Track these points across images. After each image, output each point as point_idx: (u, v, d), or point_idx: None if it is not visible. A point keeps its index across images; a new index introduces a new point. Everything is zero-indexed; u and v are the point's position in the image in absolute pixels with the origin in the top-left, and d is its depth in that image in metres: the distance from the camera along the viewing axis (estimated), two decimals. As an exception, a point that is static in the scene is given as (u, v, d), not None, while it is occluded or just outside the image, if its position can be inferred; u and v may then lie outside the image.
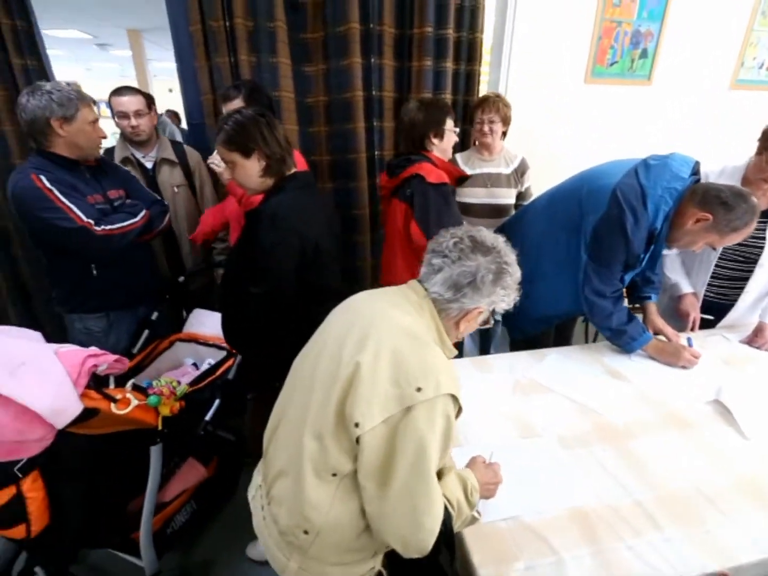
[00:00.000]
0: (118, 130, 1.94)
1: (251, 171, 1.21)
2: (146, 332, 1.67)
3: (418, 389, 0.70)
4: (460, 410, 0.78)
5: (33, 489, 1.02)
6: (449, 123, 1.57)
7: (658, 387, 1.34)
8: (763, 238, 1.53)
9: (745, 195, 1.22)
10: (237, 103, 1.59)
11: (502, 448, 1.07)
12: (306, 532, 0.78)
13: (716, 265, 1.64)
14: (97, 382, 1.05)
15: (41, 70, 1.94)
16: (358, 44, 2.05)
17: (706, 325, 1.72)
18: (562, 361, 1.47)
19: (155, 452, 1.23)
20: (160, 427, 1.16)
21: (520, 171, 2.05)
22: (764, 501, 0.96)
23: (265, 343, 1.29)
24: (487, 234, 0.86)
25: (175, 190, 1.98)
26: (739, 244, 1.49)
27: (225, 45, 1.94)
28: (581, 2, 2.27)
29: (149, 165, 1.95)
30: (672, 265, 1.73)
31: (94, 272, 1.51)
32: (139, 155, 1.94)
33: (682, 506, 0.94)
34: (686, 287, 1.69)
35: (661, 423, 1.20)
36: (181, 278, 1.80)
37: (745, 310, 1.69)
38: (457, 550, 0.83)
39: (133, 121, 1.84)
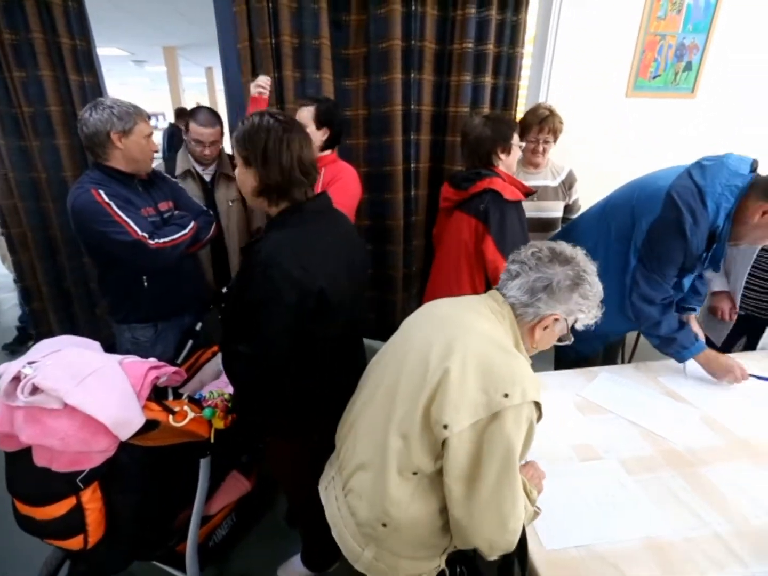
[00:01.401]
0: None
1: (247, 183, 1.01)
2: (190, 342, 1.69)
3: (506, 395, 0.72)
4: (540, 417, 0.80)
5: (92, 500, 1.03)
6: (515, 138, 1.56)
7: (723, 411, 1.28)
8: None
9: None
10: (305, 113, 1.63)
11: (563, 470, 1.03)
12: (385, 525, 0.81)
13: (752, 275, 1.59)
14: (156, 394, 1.06)
15: (96, 87, 2.02)
16: (399, 60, 2.08)
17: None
18: (616, 381, 1.42)
19: (204, 465, 1.23)
20: (212, 440, 1.16)
21: (568, 183, 2.01)
22: None
23: (253, 408, 1.11)
24: (566, 246, 0.89)
25: (230, 204, 2.02)
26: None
27: (270, 61, 1.99)
28: (625, 16, 2.25)
29: (208, 178, 2.02)
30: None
31: (145, 283, 1.53)
32: (199, 168, 2.00)
33: (766, 542, 0.89)
34: (720, 285, 1.68)
35: (731, 450, 1.13)
36: (224, 289, 1.81)
37: None
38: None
39: (207, 151, 1.91)
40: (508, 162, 1.53)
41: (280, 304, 0.93)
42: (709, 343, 1.52)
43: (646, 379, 1.43)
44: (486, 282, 1.44)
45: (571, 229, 1.77)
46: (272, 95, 2.01)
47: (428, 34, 2.12)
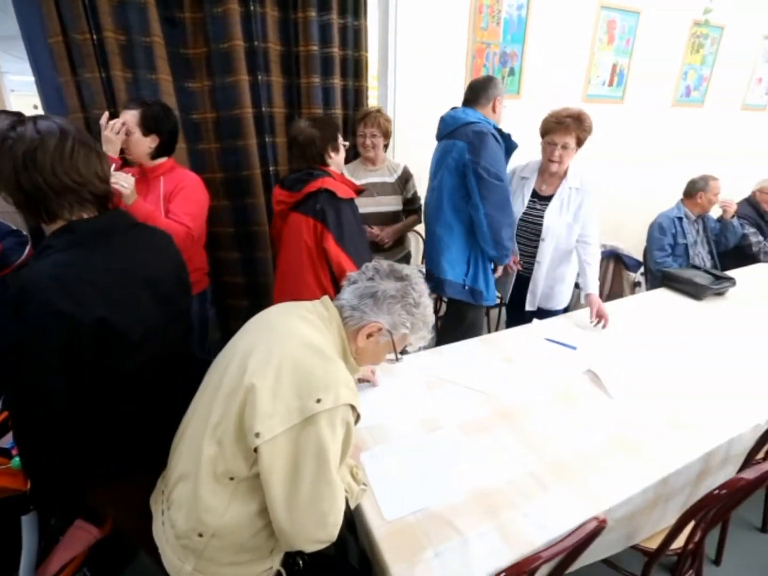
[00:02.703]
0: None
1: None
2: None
3: (318, 400, 0.75)
4: (358, 417, 0.84)
5: None
6: (340, 138, 1.63)
7: (546, 366, 1.51)
8: (542, 217, 1.86)
9: None
10: (129, 117, 1.53)
11: (408, 444, 1.13)
12: (200, 535, 0.80)
13: (519, 242, 1.96)
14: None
15: None
16: (244, 61, 2.03)
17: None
18: (462, 354, 1.58)
19: (29, 522, 1.06)
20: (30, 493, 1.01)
21: (404, 179, 2.18)
22: (629, 449, 1.14)
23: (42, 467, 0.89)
24: (406, 267, 0.96)
25: None
26: (524, 221, 1.89)
27: (93, 59, 1.80)
28: (454, 25, 2.49)
29: None
30: None
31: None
32: None
33: (566, 468, 1.08)
34: None
35: (549, 398, 1.35)
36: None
37: (542, 282, 1.96)
38: (369, 553, 0.86)
39: None
40: (338, 160, 1.61)
41: (43, 342, 0.77)
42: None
43: (490, 349, 1.62)
44: (332, 279, 1.49)
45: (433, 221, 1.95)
46: (101, 97, 1.84)
47: (271, 36, 2.11)
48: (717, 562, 1.60)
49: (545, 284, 1.97)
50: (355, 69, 2.33)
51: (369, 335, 0.90)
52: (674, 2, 3.14)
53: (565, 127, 1.69)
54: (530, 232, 1.92)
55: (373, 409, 1.25)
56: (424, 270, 2.71)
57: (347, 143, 1.70)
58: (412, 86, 2.52)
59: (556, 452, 1.13)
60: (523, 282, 2.02)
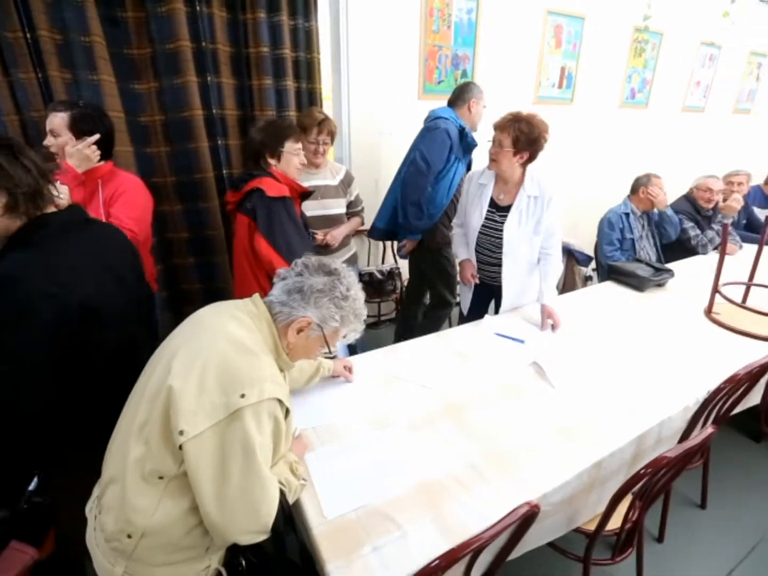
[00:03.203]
0: None
1: None
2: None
3: (243, 396, 0.77)
4: (288, 412, 0.87)
5: None
6: (289, 145, 1.59)
7: (494, 361, 1.56)
8: (501, 230, 1.81)
9: None
10: (58, 121, 1.46)
11: (354, 445, 1.14)
12: (129, 536, 0.80)
13: (478, 252, 1.94)
14: None
15: None
16: (192, 62, 2.00)
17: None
18: (417, 351, 1.61)
19: None
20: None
21: (347, 182, 2.16)
22: (567, 436, 1.19)
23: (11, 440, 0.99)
24: (335, 262, 0.97)
25: None
26: (484, 234, 1.87)
27: (28, 58, 1.73)
28: (406, 28, 2.53)
29: None
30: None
31: None
32: None
33: (506, 458, 1.12)
34: (464, 254, 2.00)
35: (495, 392, 1.39)
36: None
37: (510, 297, 1.94)
38: (309, 551, 0.87)
39: None
40: (281, 167, 1.59)
41: (32, 321, 0.88)
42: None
43: (443, 346, 1.66)
44: (269, 278, 1.48)
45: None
46: (38, 99, 1.77)
47: (220, 36, 2.08)
48: (660, 539, 1.69)
49: (513, 298, 1.95)
50: (308, 71, 2.33)
51: (299, 330, 0.91)
52: (616, 8, 3.30)
53: (501, 126, 1.69)
54: (492, 245, 1.87)
55: (323, 410, 1.26)
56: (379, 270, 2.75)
57: (300, 147, 1.67)
58: (365, 88, 2.54)
59: (497, 443, 1.17)
60: (485, 292, 2.01)
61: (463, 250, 2.00)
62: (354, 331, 0.98)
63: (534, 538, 1.11)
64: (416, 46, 2.59)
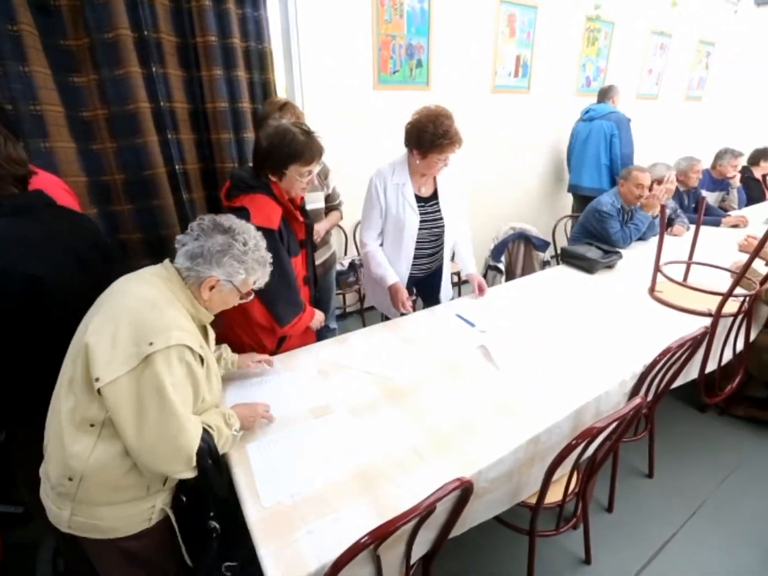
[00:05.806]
0: None
1: None
2: None
3: (151, 343, 0.86)
4: (203, 360, 0.97)
5: None
6: (294, 168, 1.40)
7: (442, 345, 1.59)
8: (440, 218, 1.88)
9: None
10: None
11: (298, 430, 1.16)
12: (70, 479, 0.88)
13: (417, 248, 1.90)
14: None
15: None
16: (133, 52, 1.93)
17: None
18: (364, 340, 1.63)
19: None
20: None
21: (323, 174, 2.12)
22: (506, 414, 1.23)
23: None
24: (228, 217, 1.04)
25: None
26: (423, 229, 1.85)
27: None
28: (357, 18, 2.51)
29: None
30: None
31: None
32: None
33: (446, 439, 1.14)
34: (392, 278, 1.84)
35: (439, 375, 1.42)
36: None
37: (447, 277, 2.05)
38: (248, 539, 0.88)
39: None
40: (282, 185, 1.44)
41: None
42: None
43: (390, 334, 1.68)
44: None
45: None
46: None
47: (163, 25, 2.02)
48: (609, 509, 1.78)
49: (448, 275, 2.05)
50: (260, 61, 2.29)
51: (211, 288, 1.01)
52: (568, -2, 3.36)
53: (452, 144, 1.68)
54: (432, 234, 1.90)
55: (263, 401, 1.25)
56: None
57: (310, 170, 1.44)
58: (319, 78, 2.52)
59: (438, 425, 1.19)
60: (429, 282, 2.07)
61: (390, 272, 1.85)
62: (263, 276, 1.08)
63: (477, 514, 1.15)
64: (369, 36, 2.58)
